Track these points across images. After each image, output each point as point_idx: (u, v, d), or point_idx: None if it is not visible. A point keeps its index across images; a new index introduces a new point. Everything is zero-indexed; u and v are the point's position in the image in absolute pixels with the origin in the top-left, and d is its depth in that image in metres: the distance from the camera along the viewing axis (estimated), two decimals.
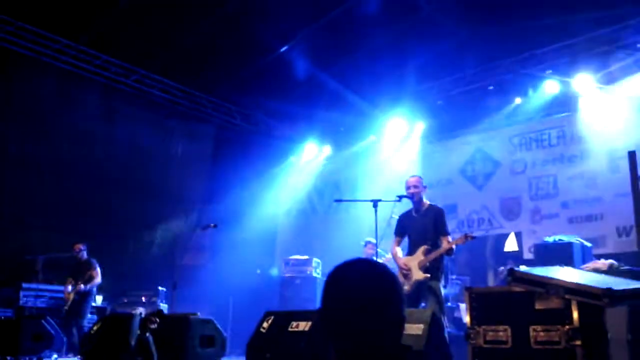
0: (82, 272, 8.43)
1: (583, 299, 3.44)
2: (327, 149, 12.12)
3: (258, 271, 10.58)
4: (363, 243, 8.56)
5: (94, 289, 8.51)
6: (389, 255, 7.92)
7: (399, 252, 5.96)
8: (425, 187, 5.97)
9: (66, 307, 8.32)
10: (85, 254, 8.64)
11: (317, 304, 8.49)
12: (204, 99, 11.67)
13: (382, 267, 1.52)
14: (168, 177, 11.71)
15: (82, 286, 8.27)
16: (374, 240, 8.54)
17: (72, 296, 8.31)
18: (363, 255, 7.98)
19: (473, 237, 5.54)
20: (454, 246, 5.55)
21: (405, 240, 6.07)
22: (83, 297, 8.33)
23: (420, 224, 5.80)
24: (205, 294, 10.21)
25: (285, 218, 12.78)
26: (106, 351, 4.94)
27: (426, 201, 5.95)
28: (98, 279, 8.45)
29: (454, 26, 8.49)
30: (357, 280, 1.47)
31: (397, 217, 6.23)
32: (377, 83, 9.58)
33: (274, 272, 10.33)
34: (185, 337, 5.16)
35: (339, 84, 9.55)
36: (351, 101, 10.07)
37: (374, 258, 7.18)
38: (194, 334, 5.27)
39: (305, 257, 9.30)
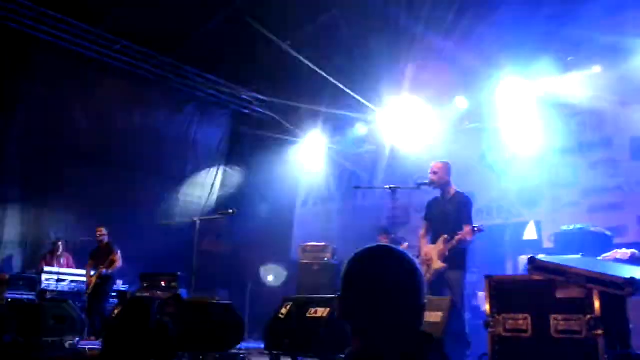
0: (103, 256, 8.54)
1: (605, 289, 3.41)
2: (346, 135, 12.06)
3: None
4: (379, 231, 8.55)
5: (115, 273, 8.61)
6: (405, 244, 7.92)
7: (426, 239, 5.90)
8: (449, 174, 5.89)
9: (88, 291, 8.45)
10: (106, 238, 8.74)
11: (334, 290, 8.52)
12: (222, 84, 11.70)
13: (402, 254, 1.52)
14: (186, 162, 11.79)
15: (104, 270, 8.38)
16: (386, 230, 8.55)
17: (94, 280, 8.43)
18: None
19: (480, 230, 5.47)
20: (467, 238, 5.48)
21: None
22: (105, 281, 8.44)
23: (443, 212, 5.75)
24: (223, 279, 10.30)
25: (302, 204, 12.80)
26: (126, 334, 4.99)
27: (453, 188, 5.87)
28: (119, 263, 8.56)
29: None
30: (377, 266, 1.48)
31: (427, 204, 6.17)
32: (396, 69, 9.50)
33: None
34: (205, 322, 5.21)
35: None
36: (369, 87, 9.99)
37: None
38: (212, 318, 5.32)
39: (323, 244, 9.31)
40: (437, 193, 6.01)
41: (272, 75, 10.87)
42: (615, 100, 8.63)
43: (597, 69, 8.61)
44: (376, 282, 1.44)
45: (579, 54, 8.73)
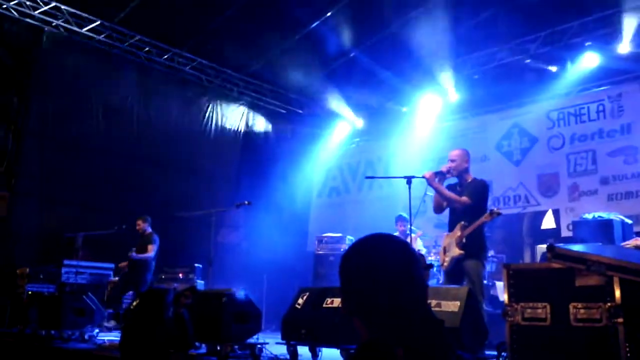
0: (142, 246, 8.59)
1: (626, 276, 3.35)
2: (360, 126, 12.02)
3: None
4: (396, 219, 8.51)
5: (151, 262, 8.62)
6: (419, 232, 7.86)
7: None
8: (468, 161, 5.79)
9: (117, 278, 8.52)
10: (147, 229, 8.77)
11: None
12: (236, 77, 11.70)
13: (391, 238, 1.54)
14: (201, 154, 11.81)
15: (132, 254, 8.41)
16: (405, 216, 8.50)
17: (126, 267, 8.52)
18: (396, 233, 7.96)
19: (499, 214, 5.35)
20: (485, 221, 5.39)
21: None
22: (136, 268, 8.45)
23: None
24: (240, 270, 10.33)
25: (318, 196, 12.79)
26: (142, 325, 5.03)
27: (470, 175, 5.76)
28: (150, 253, 8.54)
29: None
30: (367, 255, 1.50)
31: (431, 195, 6.12)
32: (411, 58, 9.43)
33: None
34: (222, 313, 5.22)
35: (372, 59, 9.43)
36: (384, 77, 9.95)
37: (407, 234, 7.14)
38: (230, 309, 5.32)
39: (339, 234, 9.30)
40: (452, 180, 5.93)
41: (288, 66, 10.83)
42: (635, 87, 8.51)
43: (623, 47, 8.44)
44: (365, 270, 1.47)
45: (599, 38, 8.60)
